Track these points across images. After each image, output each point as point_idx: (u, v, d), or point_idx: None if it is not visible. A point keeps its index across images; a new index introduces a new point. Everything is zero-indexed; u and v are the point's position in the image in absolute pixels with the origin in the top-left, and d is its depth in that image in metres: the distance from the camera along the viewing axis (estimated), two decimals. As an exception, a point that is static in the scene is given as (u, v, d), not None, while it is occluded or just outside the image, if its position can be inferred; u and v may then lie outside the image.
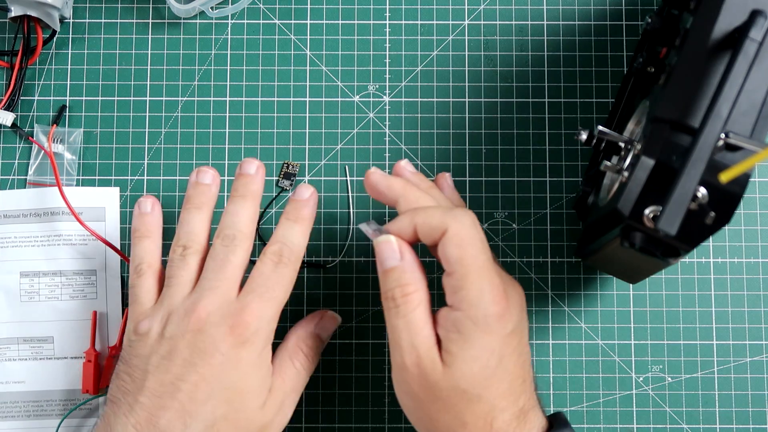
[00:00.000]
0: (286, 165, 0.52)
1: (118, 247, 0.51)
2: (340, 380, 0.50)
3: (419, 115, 0.52)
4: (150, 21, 0.53)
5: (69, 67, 0.53)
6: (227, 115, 0.52)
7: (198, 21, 0.53)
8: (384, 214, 0.52)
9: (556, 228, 0.52)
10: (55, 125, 0.51)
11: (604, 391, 0.50)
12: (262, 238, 0.51)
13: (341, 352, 0.51)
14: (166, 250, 0.47)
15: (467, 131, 0.52)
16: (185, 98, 0.52)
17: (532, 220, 0.52)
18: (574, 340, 0.51)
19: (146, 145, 0.52)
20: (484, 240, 0.39)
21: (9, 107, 0.51)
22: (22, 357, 0.50)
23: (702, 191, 0.35)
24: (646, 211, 0.36)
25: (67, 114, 0.52)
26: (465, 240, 0.38)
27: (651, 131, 0.37)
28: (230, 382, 0.40)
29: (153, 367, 0.40)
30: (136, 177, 0.52)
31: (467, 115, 0.52)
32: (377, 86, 0.53)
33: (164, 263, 0.46)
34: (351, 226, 0.51)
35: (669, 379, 0.50)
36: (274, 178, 0.52)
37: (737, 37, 0.36)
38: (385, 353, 0.51)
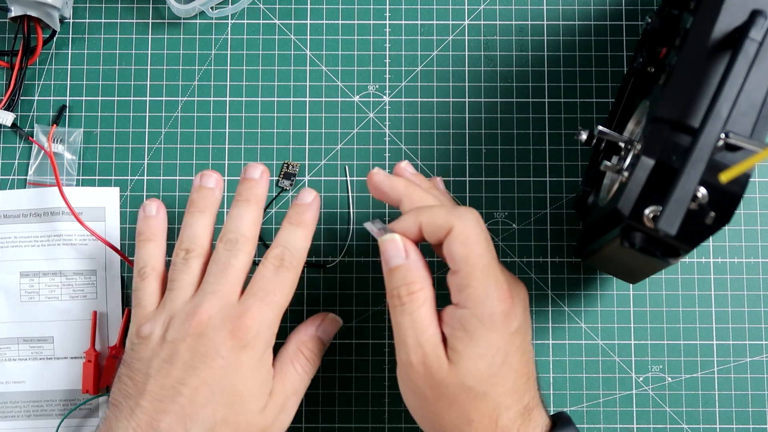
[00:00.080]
0: (286, 165, 0.52)
1: (118, 247, 0.51)
2: (340, 380, 0.50)
3: (419, 115, 0.52)
4: (150, 21, 0.53)
5: (69, 67, 0.53)
6: (227, 115, 0.52)
7: (198, 21, 0.53)
8: (384, 213, 0.52)
9: (556, 228, 0.52)
10: (55, 125, 0.51)
11: (604, 391, 0.50)
12: (262, 238, 0.51)
13: (341, 352, 0.51)
14: (170, 252, 0.47)
15: (467, 131, 0.52)
16: (185, 98, 0.52)
17: (532, 220, 0.52)
18: (574, 340, 0.51)
19: (146, 145, 0.52)
20: (489, 239, 0.39)
21: (9, 107, 0.51)
22: (22, 357, 0.50)
23: (702, 191, 0.35)
24: (646, 211, 0.36)
25: (67, 114, 0.52)
26: (470, 238, 0.38)
27: (651, 131, 0.37)
28: (231, 385, 0.40)
29: (154, 371, 0.40)
30: (136, 177, 0.52)
31: (467, 115, 0.52)
32: (377, 86, 0.53)
33: (168, 265, 0.46)
34: (351, 226, 0.51)
35: (669, 379, 0.50)
36: (274, 178, 0.52)
37: (737, 37, 0.36)
38: (385, 353, 0.51)
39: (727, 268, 0.51)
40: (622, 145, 0.41)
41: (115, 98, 0.52)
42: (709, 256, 0.51)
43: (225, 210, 0.51)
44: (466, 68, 0.53)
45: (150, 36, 0.53)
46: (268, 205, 0.51)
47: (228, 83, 0.53)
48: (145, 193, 0.51)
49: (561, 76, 0.53)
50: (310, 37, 0.53)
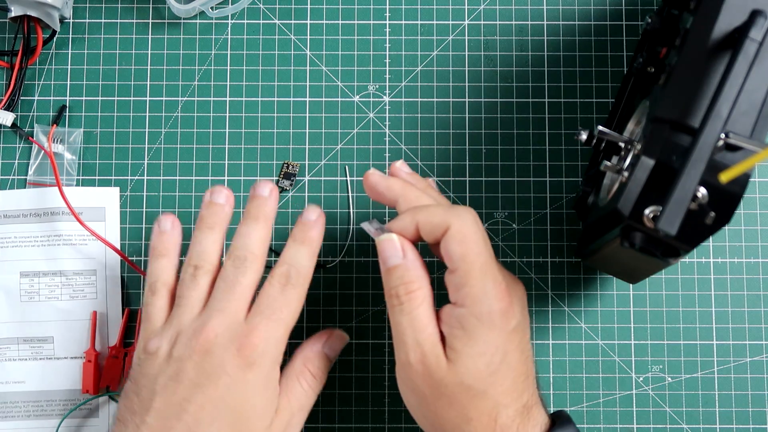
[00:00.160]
0: (286, 165, 0.52)
1: (118, 247, 0.51)
2: (340, 380, 0.50)
3: (419, 115, 0.52)
4: (150, 21, 0.53)
5: (69, 67, 0.53)
6: (227, 115, 0.52)
7: (198, 21, 0.53)
8: (384, 213, 0.52)
9: (556, 228, 0.51)
10: (55, 125, 0.51)
11: (604, 391, 0.50)
12: (262, 238, 0.51)
13: (341, 352, 0.51)
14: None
15: (467, 131, 0.52)
16: (185, 98, 0.52)
17: (532, 220, 0.52)
18: (574, 340, 0.51)
19: (146, 145, 0.52)
20: (486, 237, 0.39)
21: (9, 107, 0.51)
22: (22, 357, 0.50)
23: (702, 191, 0.35)
24: (646, 211, 0.36)
25: (67, 114, 0.52)
26: (467, 237, 0.38)
27: (651, 131, 0.37)
28: (237, 403, 0.39)
29: (160, 388, 0.40)
30: (136, 177, 0.52)
31: (467, 115, 0.52)
32: (377, 86, 0.53)
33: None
34: (351, 226, 0.51)
35: (669, 379, 0.50)
36: (274, 178, 0.52)
37: (737, 37, 0.36)
38: (385, 353, 0.51)
39: (727, 268, 0.51)
40: (622, 145, 0.41)
41: (115, 98, 0.52)
42: (709, 256, 0.51)
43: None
44: (466, 68, 0.53)
45: (150, 36, 0.53)
46: (268, 205, 0.51)
47: (228, 83, 0.53)
48: (145, 193, 0.51)
49: (561, 76, 0.53)
50: (310, 37, 0.53)
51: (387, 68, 0.53)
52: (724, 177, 0.32)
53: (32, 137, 0.51)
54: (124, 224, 0.51)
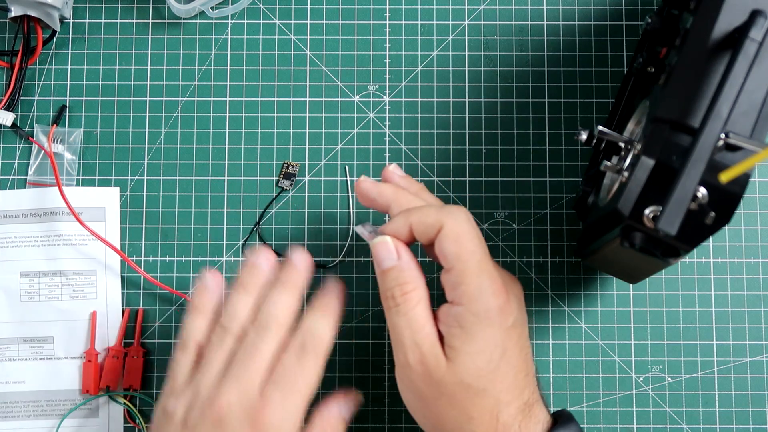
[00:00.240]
0: (286, 165, 0.52)
1: (118, 247, 0.51)
2: (340, 380, 0.50)
3: (419, 115, 0.52)
4: (150, 21, 0.53)
5: (69, 67, 0.53)
6: (227, 115, 0.52)
7: (198, 21, 0.53)
8: (383, 214, 0.52)
9: (556, 228, 0.51)
10: (55, 125, 0.51)
11: (604, 391, 0.50)
12: (262, 238, 0.51)
13: (341, 352, 0.51)
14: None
15: (467, 131, 0.52)
16: (185, 98, 0.52)
17: (532, 220, 0.52)
18: (574, 340, 0.51)
19: (146, 145, 0.52)
20: (480, 235, 0.39)
21: (9, 107, 0.51)
22: (22, 357, 0.50)
23: (702, 191, 0.35)
24: (646, 211, 0.36)
25: (67, 114, 0.52)
26: (461, 235, 0.38)
27: (651, 131, 0.37)
28: None
29: None
30: (136, 177, 0.52)
31: (467, 115, 0.52)
32: (377, 86, 0.53)
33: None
34: (351, 226, 0.51)
35: (669, 379, 0.50)
36: (274, 178, 0.52)
37: (737, 37, 0.36)
38: (385, 353, 0.51)
39: (727, 268, 0.51)
40: (622, 145, 0.41)
41: (115, 98, 0.52)
42: (709, 256, 0.51)
43: (225, 211, 0.52)
44: (466, 68, 0.53)
45: (150, 36, 0.53)
46: (268, 206, 0.51)
47: (228, 83, 0.53)
48: (145, 193, 0.51)
49: (561, 76, 0.53)
50: (310, 37, 0.53)
51: (387, 68, 0.53)
52: (724, 177, 0.32)
53: (32, 137, 0.51)
54: (124, 224, 0.51)
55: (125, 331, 0.50)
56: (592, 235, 0.43)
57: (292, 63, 0.53)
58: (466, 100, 0.52)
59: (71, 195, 0.50)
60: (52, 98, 0.52)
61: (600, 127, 0.41)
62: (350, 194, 0.52)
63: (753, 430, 0.50)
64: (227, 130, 0.52)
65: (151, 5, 0.53)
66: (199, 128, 0.52)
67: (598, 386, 0.50)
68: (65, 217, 0.50)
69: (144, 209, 0.51)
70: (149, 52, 0.53)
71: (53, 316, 0.50)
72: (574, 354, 0.51)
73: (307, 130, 0.52)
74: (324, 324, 0.42)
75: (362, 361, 0.51)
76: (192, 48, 0.53)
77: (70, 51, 0.53)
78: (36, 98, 0.52)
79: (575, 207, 0.50)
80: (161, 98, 0.52)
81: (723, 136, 0.35)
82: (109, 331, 0.50)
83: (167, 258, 0.51)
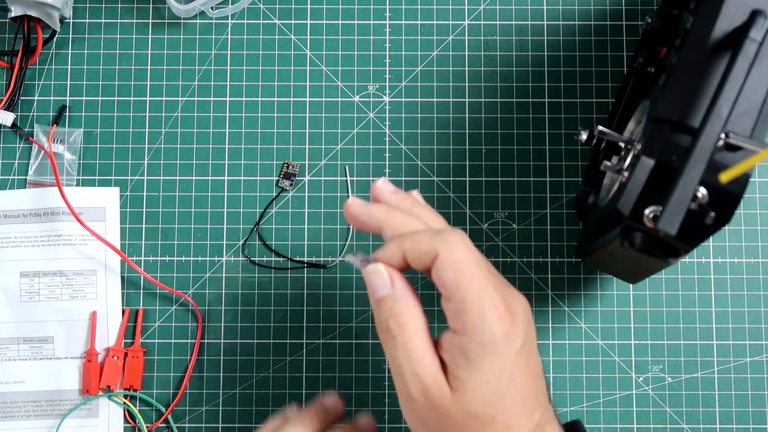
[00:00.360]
0: (286, 165, 0.52)
1: (118, 247, 0.51)
2: (340, 380, 0.50)
3: (419, 115, 0.52)
4: (150, 21, 0.53)
5: (69, 67, 0.53)
6: (227, 115, 0.52)
7: (198, 21, 0.53)
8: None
9: (556, 228, 0.51)
10: (55, 125, 0.51)
11: (604, 391, 0.50)
12: (262, 238, 0.51)
13: (341, 352, 0.51)
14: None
15: (467, 131, 0.52)
16: (185, 98, 0.52)
17: (532, 220, 0.52)
18: (574, 340, 0.51)
19: (146, 145, 0.52)
20: (479, 257, 0.37)
21: (9, 107, 0.51)
22: (22, 357, 0.50)
23: (702, 191, 0.35)
24: (646, 211, 0.36)
25: (67, 114, 0.52)
26: (458, 262, 0.36)
27: (651, 131, 0.37)
28: None
29: None
30: (136, 177, 0.52)
31: (467, 115, 0.52)
32: (377, 86, 0.53)
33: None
34: (351, 226, 0.51)
35: (669, 379, 0.50)
36: (274, 178, 0.52)
37: (737, 37, 0.36)
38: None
39: (727, 268, 0.51)
40: (622, 145, 0.41)
41: (115, 98, 0.52)
42: (709, 256, 0.51)
43: (225, 211, 0.51)
44: (466, 68, 0.53)
45: (150, 36, 0.53)
46: (268, 206, 0.52)
47: (228, 83, 0.53)
48: (145, 193, 0.51)
49: (561, 76, 0.53)
50: (310, 37, 0.53)
51: (387, 68, 0.53)
52: (724, 177, 0.32)
53: (32, 137, 0.51)
54: (124, 224, 0.51)
55: (125, 331, 0.50)
56: (592, 235, 0.43)
57: (292, 63, 0.53)
58: (466, 100, 0.52)
59: (71, 195, 0.50)
60: (52, 98, 0.52)
61: (600, 127, 0.41)
62: (350, 194, 0.52)
63: (753, 430, 0.50)
64: (227, 130, 0.52)
65: (151, 5, 0.53)
66: (199, 128, 0.52)
67: (598, 386, 0.50)
68: (65, 217, 0.50)
69: (144, 209, 0.51)
70: (149, 52, 0.53)
71: (53, 316, 0.50)
72: (574, 354, 0.51)
73: (307, 130, 0.52)
74: None
75: (362, 361, 0.51)
76: (192, 48, 0.53)
77: (70, 51, 0.53)
78: (36, 98, 0.52)
79: (575, 207, 0.50)
80: (161, 98, 0.52)
81: (723, 136, 0.35)
82: (109, 331, 0.50)
83: (167, 258, 0.51)
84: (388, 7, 0.53)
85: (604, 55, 0.53)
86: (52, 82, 0.52)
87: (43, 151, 0.51)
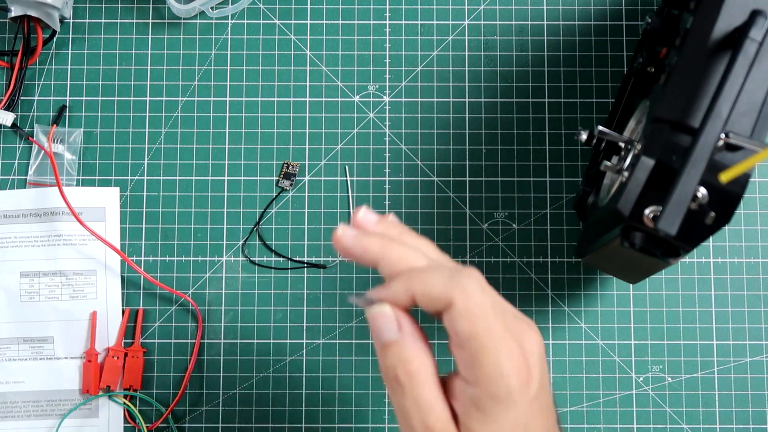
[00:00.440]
0: (286, 165, 0.52)
1: (118, 247, 0.51)
2: (340, 380, 0.50)
3: (419, 115, 0.52)
4: (150, 21, 0.53)
5: (69, 67, 0.53)
6: (227, 115, 0.52)
7: (198, 21, 0.53)
8: (384, 214, 0.51)
9: (556, 228, 0.51)
10: (55, 125, 0.51)
11: (604, 391, 0.50)
12: (262, 238, 0.51)
13: (341, 352, 0.51)
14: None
15: (467, 131, 0.52)
16: (185, 98, 0.52)
17: (532, 220, 0.52)
18: (574, 340, 0.51)
19: (146, 145, 0.52)
20: (496, 300, 0.35)
21: (9, 107, 0.51)
22: (22, 357, 0.50)
23: (702, 191, 0.35)
24: (646, 211, 0.36)
25: (67, 114, 0.52)
26: (475, 313, 0.33)
27: (651, 131, 0.37)
28: None
29: None
30: (136, 177, 0.52)
31: (467, 115, 0.52)
32: (377, 86, 0.53)
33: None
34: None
35: (669, 379, 0.50)
36: (274, 178, 0.52)
37: (737, 37, 0.36)
38: (385, 353, 0.51)
39: (727, 268, 0.51)
40: (622, 145, 0.41)
41: (115, 98, 0.52)
42: (709, 256, 0.51)
43: (225, 211, 0.51)
44: (466, 68, 0.53)
45: (150, 36, 0.53)
46: (268, 206, 0.52)
47: (228, 83, 0.53)
48: (145, 193, 0.51)
49: (561, 76, 0.53)
50: (310, 37, 0.53)
51: (387, 68, 0.53)
52: (724, 177, 0.32)
53: (32, 137, 0.51)
54: (124, 224, 0.51)
55: (125, 331, 0.50)
56: (592, 235, 0.43)
57: (292, 63, 0.53)
58: (466, 100, 0.52)
59: (71, 195, 0.50)
60: (52, 98, 0.52)
61: (600, 127, 0.41)
62: (350, 194, 0.52)
63: (753, 430, 0.50)
64: (227, 130, 0.52)
65: (151, 5, 0.53)
66: (199, 128, 0.52)
67: (598, 386, 0.50)
68: (65, 217, 0.50)
69: (144, 209, 0.51)
70: (149, 52, 0.53)
71: (53, 316, 0.50)
72: (574, 354, 0.51)
73: (307, 130, 0.52)
74: None
75: (362, 361, 0.51)
76: (192, 48, 0.53)
77: (70, 51, 0.53)
78: (36, 98, 0.52)
79: (575, 207, 0.50)
80: (161, 98, 0.52)
81: (723, 136, 0.35)
82: (109, 331, 0.50)
83: (167, 258, 0.51)
84: (388, 7, 0.53)
85: (604, 55, 0.53)
86: (52, 82, 0.52)
87: (43, 151, 0.51)
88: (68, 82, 0.52)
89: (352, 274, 0.51)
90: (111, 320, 0.50)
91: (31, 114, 0.52)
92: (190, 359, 0.50)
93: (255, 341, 0.51)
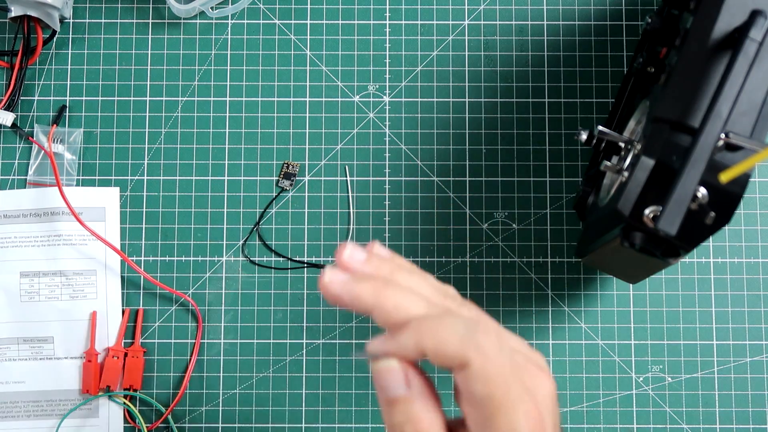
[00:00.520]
0: (286, 165, 0.52)
1: (118, 247, 0.51)
2: (340, 380, 0.50)
3: (419, 115, 0.52)
4: (150, 21, 0.53)
5: (69, 67, 0.53)
6: (227, 115, 0.52)
7: (198, 21, 0.53)
8: (383, 214, 0.52)
9: (556, 228, 0.51)
10: (55, 125, 0.51)
11: (604, 391, 0.50)
12: (262, 238, 0.51)
13: (341, 352, 0.51)
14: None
15: (467, 131, 0.52)
16: (185, 98, 0.52)
17: (532, 220, 0.52)
18: (574, 340, 0.51)
19: (146, 145, 0.52)
20: (513, 358, 0.32)
21: (9, 107, 0.51)
22: (22, 357, 0.50)
23: (702, 191, 0.35)
24: (646, 211, 0.36)
25: (67, 114, 0.52)
26: (493, 375, 0.31)
27: (651, 131, 0.37)
28: None
29: None
30: (136, 177, 0.52)
31: (467, 115, 0.52)
32: (377, 86, 0.53)
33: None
34: (351, 226, 0.51)
35: (669, 379, 0.50)
36: (274, 178, 0.52)
37: (737, 37, 0.36)
38: (385, 353, 0.51)
39: (727, 268, 0.51)
40: (622, 145, 0.41)
41: (115, 98, 0.52)
42: (709, 256, 0.51)
43: (225, 211, 0.51)
44: (466, 68, 0.53)
45: (150, 36, 0.53)
46: (268, 206, 0.51)
47: (228, 83, 0.53)
48: (145, 193, 0.51)
49: (561, 76, 0.53)
50: (310, 37, 0.53)
51: (387, 68, 0.53)
52: (724, 177, 0.32)
53: (32, 137, 0.51)
54: (124, 224, 0.51)
55: (125, 331, 0.50)
56: (592, 235, 0.43)
57: (292, 63, 0.53)
58: (466, 100, 0.52)
59: (71, 195, 0.50)
60: (52, 98, 0.52)
61: (600, 127, 0.41)
62: (350, 194, 0.52)
63: (753, 430, 0.50)
64: (227, 130, 0.52)
65: (151, 5, 0.53)
66: (199, 128, 0.52)
67: (598, 386, 0.50)
68: (65, 217, 0.50)
69: (144, 209, 0.51)
70: (149, 52, 0.53)
71: (53, 316, 0.50)
72: (574, 354, 0.51)
73: (307, 130, 0.52)
74: None
75: (362, 361, 0.51)
76: (192, 48, 0.53)
77: (70, 51, 0.53)
78: (36, 98, 0.52)
79: (575, 207, 0.50)
80: (161, 98, 0.52)
81: (723, 136, 0.35)
82: (109, 331, 0.50)
83: (167, 258, 0.51)
84: (388, 7, 0.53)
85: (604, 55, 0.53)
86: (52, 82, 0.52)
87: (43, 151, 0.51)
88: (68, 82, 0.52)
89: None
90: (111, 320, 0.50)
91: (31, 114, 0.52)
92: (190, 359, 0.50)
93: (255, 341, 0.51)
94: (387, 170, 0.52)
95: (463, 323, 0.32)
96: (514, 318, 0.51)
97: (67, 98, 0.52)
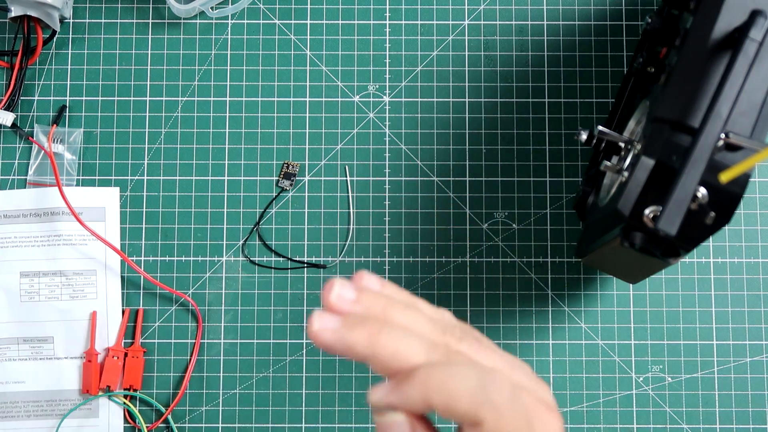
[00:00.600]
0: (286, 165, 0.52)
1: (118, 247, 0.51)
2: (340, 380, 0.50)
3: (419, 115, 0.52)
4: (150, 21, 0.53)
5: (69, 67, 0.53)
6: (227, 115, 0.52)
7: (198, 21, 0.53)
8: (383, 214, 0.52)
9: (556, 228, 0.51)
10: (55, 125, 0.51)
11: (604, 391, 0.50)
12: (262, 238, 0.51)
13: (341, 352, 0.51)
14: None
15: (467, 131, 0.52)
16: (185, 98, 0.52)
17: (532, 220, 0.52)
18: (574, 340, 0.51)
19: (146, 145, 0.52)
20: (522, 397, 0.30)
21: (9, 107, 0.51)
22: (22, 357, 0.50)
23: (702, 191, 0.35)
24: (646, 211, 0.36)
25: (67, 114, 0.52)
26: (507, 430, 0.29)
27: (651, 131, 0.37)
28: None
29: None
30: (136, 177, 0.52)
31: (467, 115, 0.52)
32: (377, 86, 0.53)
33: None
34: (351, 226, 0.51)
35: (669, 379, 0.50)
36: (274, 178, 0.52)
37: (737, 37, 0.36)
38: (385, 353, 0.51)
39: (727, 268, 0.51)
40: (622, 145, 0.41)
41: (115, 98, 0.52)
42: (709, 256, 0.51)
43: (225, 211, 0.51)
44: (466, 68, 0.53)
45: (150, 36, 0.53)
46: (268, 206, 0.51)
47: (228, 83, 0.53)
48: (145, 193, 0.51)
49: (561, 76, 0.53)
50: (310, 37, 0.53)
51: (387, 68, 0.53)
52: (724, 177, 0.32)
53: (32, 137, 0.51)
54: (124, 224, 0.51)
55: (125, 331, 0.50)
56: (592, 235, 0.43)
57: (292, 63, 0.53)
58: (466, 100, 0.52)
59: (71, 195, 0.50)
60: (52, 98, 0.52)
61: (600, 127, 0.41)
62: (350, 194, 0.52)
63: (753, 430, 0.50)
64: (227, 130, 0.52)
65: (151, 5, 0.53)
66: (199, 128, 0.52)
67: (598, 386, 0.50)
68: (65, 217, 0.50)
69: (144, 209, 0.51)
70: (149, 52, 0.53)
71: (53, 316, 0.50)
72: (574, 354, 0.51)
73: (307, 130, 0.52)
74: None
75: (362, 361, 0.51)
76: (192, 48, 0.53)
77: (70, 51, 0.53)
78: (36, 98, 0.52)
79: (575, 207, 0.50)
80: (161, 98, 0.52)
81: (723, 136, 0.35)
82: (109, 331, 0.50)
83: (167, 258, 0.51)
84: (388, 7, 0.53)
85: (604, 55, 0.53)
86: (52, 82, 0.52)
87: (43, 151, 0.51)
88: (68, 82, 0.52)
89: (352, 274, 0.51)
90: (111, 320, 0.50)
91: (31, 114, 0.52)
92: (190, 359, 0.50)
93: (255, 341, 0.51)
94: (387, 170, 0.52)
95: (474, 375, 0.30)
96: (514, 318, 0.51)
97: (67, 98, 0.52)
